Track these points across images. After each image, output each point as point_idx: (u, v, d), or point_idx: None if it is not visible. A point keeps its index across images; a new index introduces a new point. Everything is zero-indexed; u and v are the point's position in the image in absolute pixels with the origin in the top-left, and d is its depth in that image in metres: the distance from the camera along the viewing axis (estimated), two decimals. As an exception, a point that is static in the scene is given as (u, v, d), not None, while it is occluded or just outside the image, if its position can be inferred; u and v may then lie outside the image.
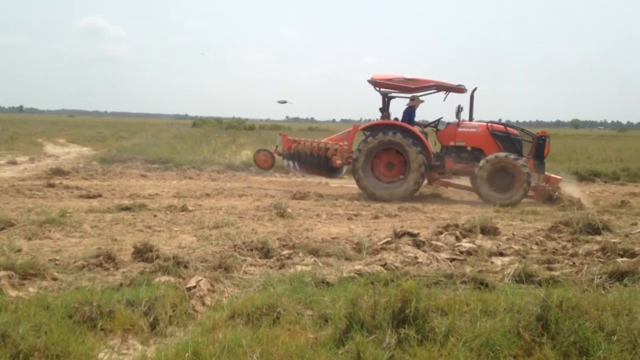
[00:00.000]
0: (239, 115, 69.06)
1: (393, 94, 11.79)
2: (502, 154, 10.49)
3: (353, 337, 3.30)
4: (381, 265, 5.14)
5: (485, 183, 10.47)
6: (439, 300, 3.97)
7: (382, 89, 11.59)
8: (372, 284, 4.28)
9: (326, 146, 11.46)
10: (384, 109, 11.73)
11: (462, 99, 12.55)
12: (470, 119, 11.35)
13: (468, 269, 5.08)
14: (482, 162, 10.49)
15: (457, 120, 11.36)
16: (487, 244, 6.12)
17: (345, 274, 4.86)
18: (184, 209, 8.47)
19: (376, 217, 8.54)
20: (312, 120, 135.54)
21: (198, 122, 54.61)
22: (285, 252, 5.73)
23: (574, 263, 5.47)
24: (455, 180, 11.54)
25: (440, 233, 6.68)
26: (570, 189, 11.15)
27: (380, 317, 3.44)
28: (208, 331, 3.65)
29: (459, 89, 11.35)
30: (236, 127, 47.61)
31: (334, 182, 13.66)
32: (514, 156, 10.46)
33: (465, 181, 11.52)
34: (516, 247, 6.07)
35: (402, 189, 10.74)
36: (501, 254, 5.86)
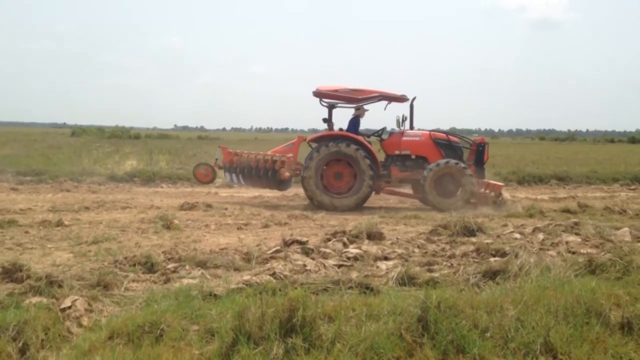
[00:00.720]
0: (124, 123, 65.95)
1: (339, 105, 11.91)
2: (452, 161, 10.95)
3: (239, 350, 3.23)
4: (270, 275, 5.11)
5: (432, 189, 10.86)
6: (326, 307, 4.01)
7: (327, 100, 11.72)
8: (260, 294, 4.22)
9: (273, 159, 11.29)
10: (329, 120, 11.85)
11: (403, 109, 13.04)
12: (411, 127, 11.68)
13: (354, 275, 5.21)
14: (429, 169, 10.90)
15: (401, 130, 11.63)
16: (373, 249, 6.30)
17: (233, 286, 4.76)
18: (59, 223, 7.90)
19: (266, 226, 8.50)
20: (202, 129, 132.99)
21: (77, 131, 51.36)
22: (171, 265, 5.53)
23: (452, 264, 5.79)
24: (400, 189, 11.95)
25: (329, 240, 6.80)
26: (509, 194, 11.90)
27: (268, 328, 3.41)
28: (84, 354, 3.40)
29: (402, 99, 11.67)
30: (120, 136, 45.52)
31: (224, 192, 13.45)
32: (460, 163, 10.99)
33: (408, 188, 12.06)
34: (399, 251, 6.32)
35: (353, 199, 10.96)
36: (386, 258, 6.06)
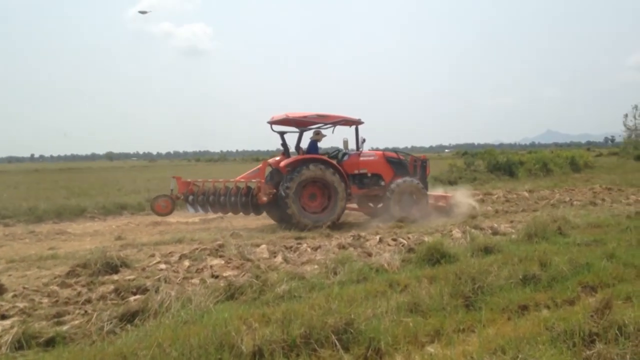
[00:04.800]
0: None
1: (288, 131, 12.49)
2: (415, 180, 12.39)
3: None
4: None
5: (396, 204, 11.98)
6: None
7: (281, 128, 12.40)
8: None
9: (247, 185, 11.60)
10: (298, 144, 12.52)
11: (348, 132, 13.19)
12: (357, 148, 12.66)
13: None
14: (394, 186, 12.11)
15: (359, 151, 12.63)
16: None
17: None
18: None
19: None
20: None
21: None
22: None
23: (86, 311, 5.08)
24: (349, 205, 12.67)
25: None
26: (461, 199, 13.26)
27: None
28: None
29: (359, 122, 12.59)
30: None
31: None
32: (417, 180, 12.38)
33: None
34: (22, 305, 5.26)
35: (331, 217, 11.50)
36: (3, 317, 4.96)
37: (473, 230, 9.34)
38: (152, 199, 12.34)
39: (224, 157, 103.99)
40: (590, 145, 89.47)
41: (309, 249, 8.21)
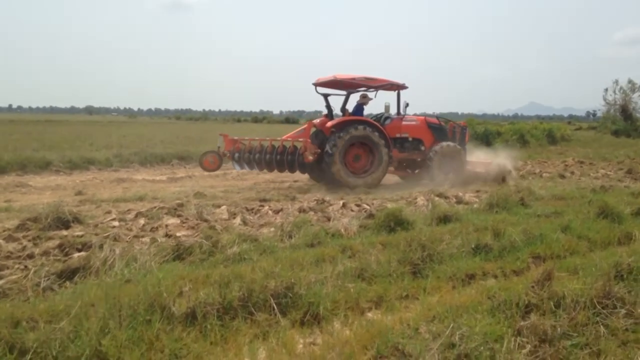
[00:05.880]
0: None
1: (333, 93, 12.61)
2: (452, 144, 12.71)
3: None
4: None
5: (436, 167, 12.30)
6: None
7: (327, 91, 12.53)
8: None
9: (293, 144, 11.72)
10: (344, 106, 12.61)
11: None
12: (398, 113, 12.85)
13: None
14: (437, 148, 12.49)
15: (401, 115, 12.82)
16: None
17: None
18: None
19: None
20: None
21: None
22: None
23: (26, 266, 4.94)
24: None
25: None
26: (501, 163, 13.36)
27: None
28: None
29: (404, 86, 12.78)
30: None
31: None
32: (458, 145, 12.76)
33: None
34: (-40, 259, 5.11)
35: (374, 178, 11.82)
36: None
37: (437, 198, 9.33)
38: (200, 154, 12.63)
39: (205, 117, 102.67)
40: (571, 119, 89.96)
41: (270, 212, 8.12)
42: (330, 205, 8.73)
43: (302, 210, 8.05)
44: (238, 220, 7.29)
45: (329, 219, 7.46)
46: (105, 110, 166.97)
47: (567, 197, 9.61)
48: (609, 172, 15.09)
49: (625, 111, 45.15)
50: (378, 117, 12.95)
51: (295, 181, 13.16)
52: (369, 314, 4.14)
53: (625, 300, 3.97)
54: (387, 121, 12.77)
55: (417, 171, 13.08)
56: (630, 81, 45.28)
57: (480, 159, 14.32)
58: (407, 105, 12.94)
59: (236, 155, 12.06)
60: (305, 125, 12.24)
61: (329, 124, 11.98)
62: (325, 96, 12.57)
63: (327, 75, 12.07)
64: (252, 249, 5.55)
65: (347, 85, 12.49)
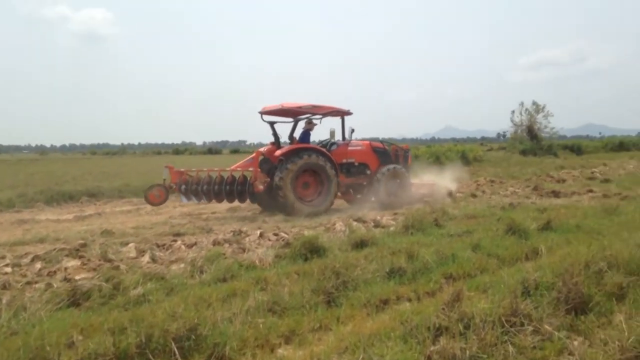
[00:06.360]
0: None
1: (279, 121, 12.76)
2: (398, 167, 13.11)
3: None
4: None
5: (383, 189, 12.60)
6: None
7: (272, 118, 12.58)
8: None
9: (243, 174, 11.62)
10: (292, 134, 12.74)
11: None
12: (343, 138, 13.10)
13: None
14: (384, 170, 12.82)
15: (347, 140, 13.06)
16: None
17: None
18: None
19: None
20: None
21: None
22: None
23: None
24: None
25: None
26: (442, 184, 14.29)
27: None
28: None
29: (349, 112, 12.90)
30: None
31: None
32: (402, 168, 13.14)
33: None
34: None
35: (324, 205, 11.92)
36: None
37: (355, 223, 9.32)
38: (146, 188, 12.08)
39: (123, 150, 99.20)
40: (483, 141, 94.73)
41: (183, 246, 7.74)
42: (247, 235, 8.49)
43: (216, 243, 7.76)
44: (147, 257, 6.89)
45: (244, 250, 7.22)
46: (15, 149, 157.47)
47: (479, 216, 9.90)
48: (517, 190, 15.78)
49: (531, 131, 48.05)
50: (325, 144, 13.08)
51: (212, 212, 12.78)
52: (280, 350, 3.94)
53: (532, 317, 4.00)
54: (334, 147, 12.92)
55: (359, 196, 13.34)
56: (534, 103, 48.38)
57: (423, 180, 15.08)
58: (352, 130, 13.16)
59: (183, 187, 11.80)
60: (254, 155, 12.22)
61: (278, 152, 12.02)
62: (272, 124, 12.64)
63: (274, 104, 12.19)
64: (158, 289, 5.24)
65: (294, 113, 12.63)
